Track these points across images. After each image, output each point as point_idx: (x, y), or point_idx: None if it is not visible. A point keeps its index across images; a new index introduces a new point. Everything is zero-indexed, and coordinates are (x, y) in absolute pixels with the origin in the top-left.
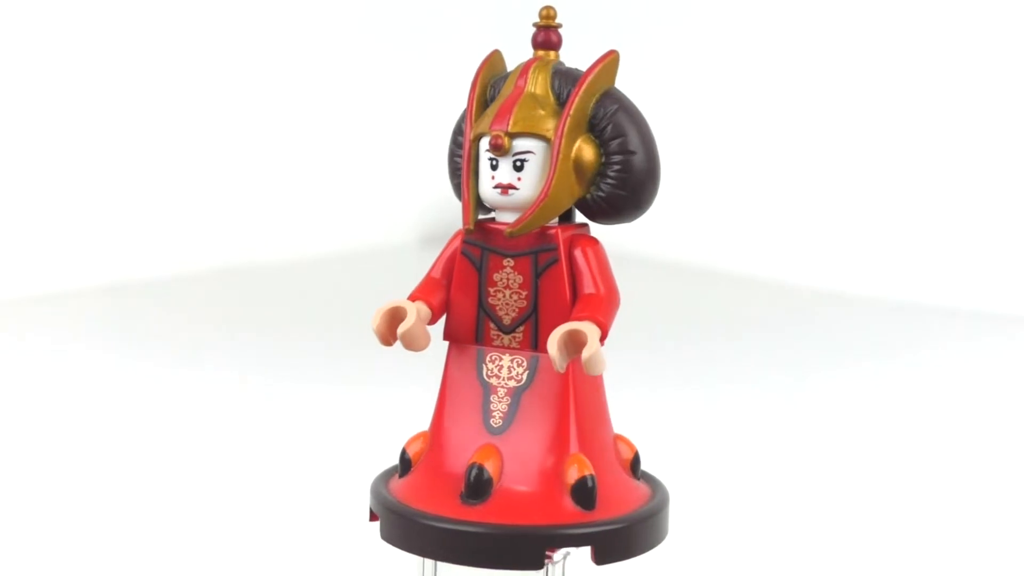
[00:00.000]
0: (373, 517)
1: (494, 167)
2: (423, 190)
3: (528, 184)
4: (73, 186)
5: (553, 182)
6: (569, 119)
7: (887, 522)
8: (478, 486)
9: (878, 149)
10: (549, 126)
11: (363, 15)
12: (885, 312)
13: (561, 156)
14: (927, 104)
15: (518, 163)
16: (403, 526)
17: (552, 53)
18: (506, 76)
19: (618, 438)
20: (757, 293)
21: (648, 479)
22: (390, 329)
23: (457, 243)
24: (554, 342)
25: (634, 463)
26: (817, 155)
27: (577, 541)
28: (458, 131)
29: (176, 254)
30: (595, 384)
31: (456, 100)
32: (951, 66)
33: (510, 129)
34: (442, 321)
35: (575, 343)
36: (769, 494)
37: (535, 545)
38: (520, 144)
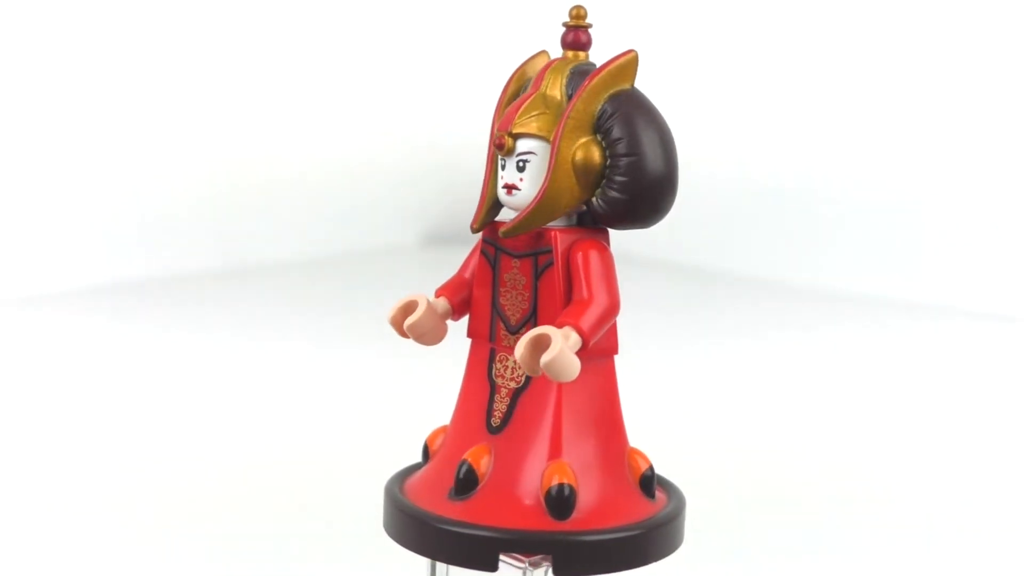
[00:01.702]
0: None
1: (503, 167)
2: (423, 190)
3: (529, 185)
4: (73, 186)
5: (549, 183)
6: (568, 120)
7: (895, 526)
8: (464, 483)
9: (877, 151)
10: (551, 127)
11: (367, 15)
12: (896, 313)
13: (558, 157)
14: (922, 106)
15: (520, 164)
16: (391, 514)
17: (582, 54)
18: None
19: (632, 451)
20: (759, 293)
21: (670, 495)
22: (404, 321)
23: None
24: (520, 347)
25: (644, 479)
26: (818, 157)
27: (534, 548)
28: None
29: (176, 254)
30: (598, 392)
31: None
32: (944, 69)
33: (513, 129)
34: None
35: (544, 348)
36: (779, 499)
37: (490, 547)
38: (523, 144)
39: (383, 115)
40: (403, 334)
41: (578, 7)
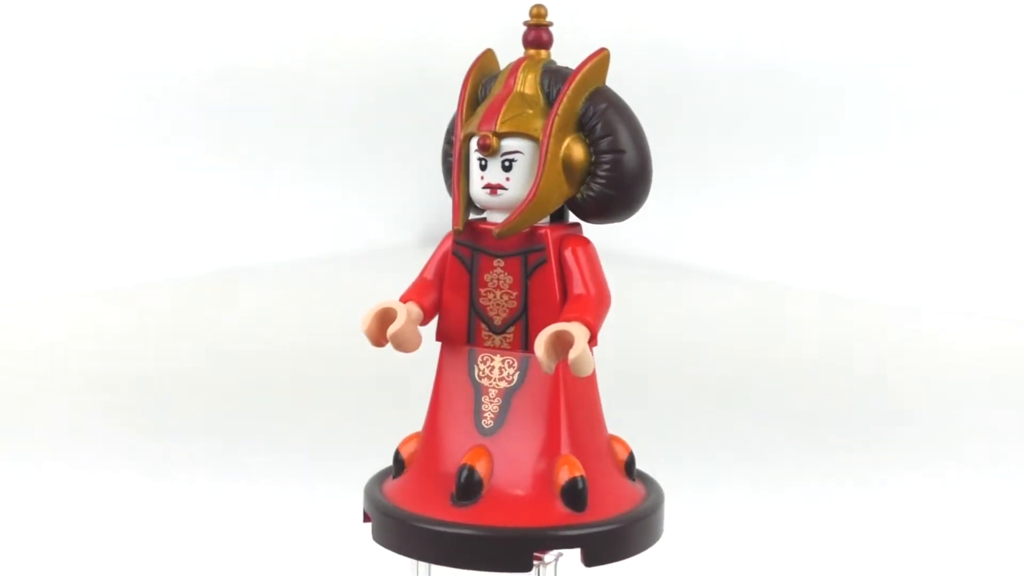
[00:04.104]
0: (367, 518)
1: (483, 167)
2: (423, 190)
3: (517, 184)
4: (80, 190)
5: (541, 182)
6: (557, 118)
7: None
8: (468, 487)
9: (865, 150)
10: (537, 125)
11: (362, 15)
12: (876, 313)
13: (549, 156)
14: (911, 103)
15: (507, 163)
16: (393, 527)
17: (543, 52)
18: (497, 75)
19: (612, 439)
20: (748, 292)
21: (644, 480)
22: (381, 330)
23: (449, 244)
24: (541, 343)
25: (628, 464)
26: (807, 157)
27: (566, 543)
28: (451, 131)
29: (176, 256)
30: (588, 385)
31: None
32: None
33: (498, 129)
34: (434, 322)
35: (563, 344)
36: (761, 492)
37: (523, 547)
38: (508, 144)
39: (382, 115)
40: (379, 343)
41: (539, 6)
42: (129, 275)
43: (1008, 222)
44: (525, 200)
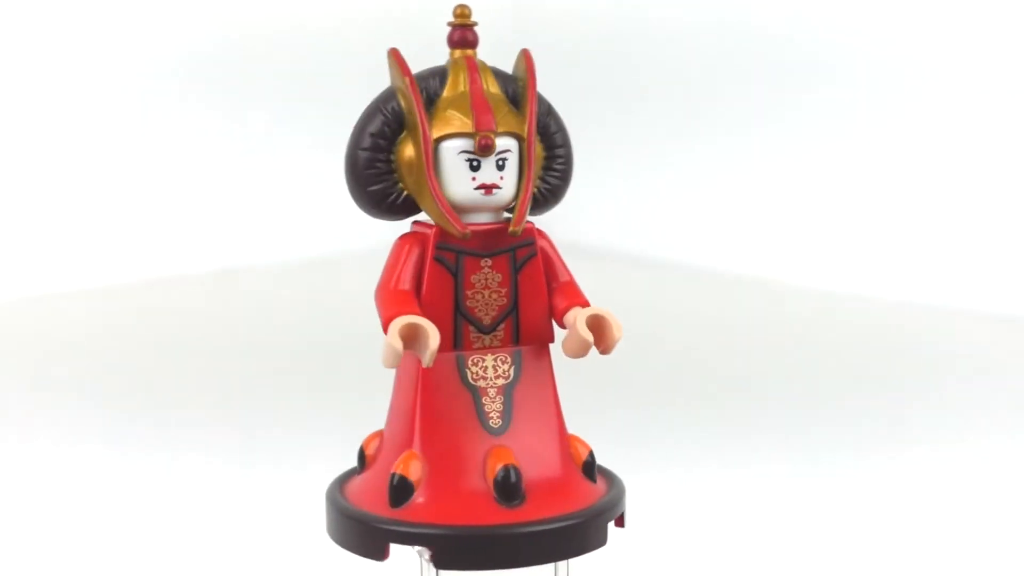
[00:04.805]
0: (385, 553)
1: (475, 168)
2: None
3: (509, 183)
4: (77, 190)
5: (534, 176)
6: (535, 116)
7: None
8: (509, 488)
9: (856, 144)
10: (521, 124)
11: (357, 14)
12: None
13: (536, 153)
14: (900, 96)
15: (500, 162)
16: (472, 547)
17: (470, 51)
18: (438, 75)
19: None
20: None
21: None
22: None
23: (417, 251)
24: (585, 330)
25: None
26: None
27: (617, 511)
28: (372, 136)
29: (175, 255)
30: None
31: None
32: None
33: (498, 130)
34: None
35: (598, 328)
36: (738, 480)
37: (602, 523)
38: (501, 143)
39: None
40: (394, 365)
41: (462, 6)
42: (128, 274)
43: (997, 204)
44: (526, 195)
